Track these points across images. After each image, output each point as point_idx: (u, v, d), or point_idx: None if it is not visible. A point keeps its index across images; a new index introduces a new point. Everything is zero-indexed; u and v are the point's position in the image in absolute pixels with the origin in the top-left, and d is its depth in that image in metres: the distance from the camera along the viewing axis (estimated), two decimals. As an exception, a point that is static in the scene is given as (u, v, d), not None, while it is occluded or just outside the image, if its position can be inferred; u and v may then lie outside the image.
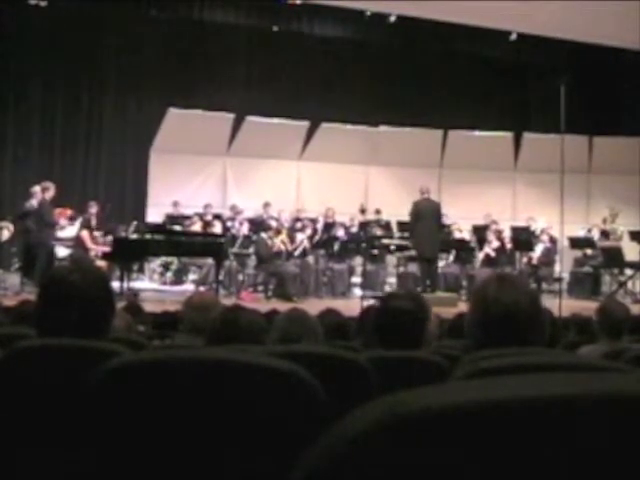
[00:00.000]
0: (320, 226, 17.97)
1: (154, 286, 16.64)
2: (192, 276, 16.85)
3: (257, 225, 17.04)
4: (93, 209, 16.18)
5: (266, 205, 18.23)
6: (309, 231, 16.91)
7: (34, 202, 14.95)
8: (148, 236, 15.10)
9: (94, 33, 19.21)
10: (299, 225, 17.23)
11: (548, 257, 17.56)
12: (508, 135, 21.21)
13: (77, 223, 15.84)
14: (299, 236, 16.59)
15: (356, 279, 17.31)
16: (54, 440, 2.50)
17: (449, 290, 16.36)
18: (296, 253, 16.29)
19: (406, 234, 16.90)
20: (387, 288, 16.68)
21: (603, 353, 4.76)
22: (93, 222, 15.67)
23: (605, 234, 18.48)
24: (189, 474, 1.86)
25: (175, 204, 18.13)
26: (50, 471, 2.57)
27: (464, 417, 0.82)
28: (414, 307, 4.15)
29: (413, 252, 16.06)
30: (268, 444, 1.80)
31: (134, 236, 15.72)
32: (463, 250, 17.60)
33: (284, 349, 3.31)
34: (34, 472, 2.64)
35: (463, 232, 18.05)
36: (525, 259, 17.60)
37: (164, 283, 17.00)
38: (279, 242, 16.08)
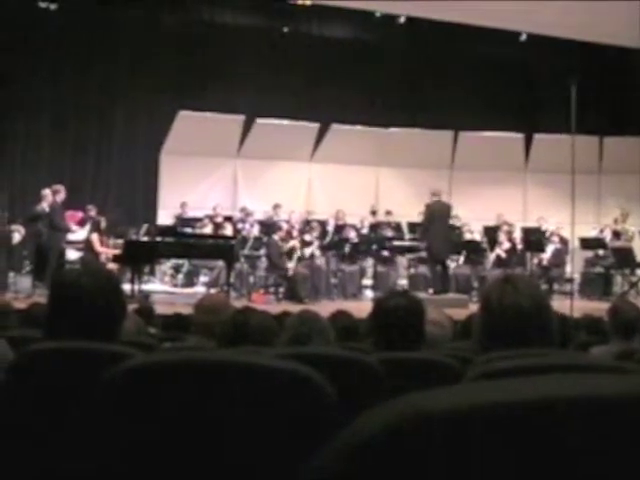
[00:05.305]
0: (331, 228, 17.96)
1: (165, 288, 16.66)
2: (203, 278, 16.84)
3: (268, 227, 17.02)
4: (92, 212, 16.23)
5: (276, 207, 18.20)
6: (316, 233, 16.85)
7: (45, 205, 14.99)
8: (159, 238, 15.14)
9: (104, 36, 19.24)
10: (308, 228, 17.20)
11: (558, 258, 17.54)
12: (519, 136, 21.19)
13: (88, 226, 15.87)
14: (307, 238, 16.56)
15: (367, 281, 17.29)
16: (64, 441, 2.50)
17: (460, 291, 16.33)
18: (306, 255, 16.27)
19: (417, 235, 16.93)
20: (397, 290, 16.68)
21: (615, 354, 4.75)
22: (103, 225, 15.69)
23: (616, 234, 18.43)
24: (200, 475, 1.86)
25: (182, 205, 18.14)
26: (60, 472, 2.57)
27: (477, 419, 0.82)
28: (407, 305, 4.16)
29: (424, 253, 16.08)
30: (279, 446, 1.80)
31: (145, 238, 15.74)
32: (474, 251, 17.56)
33: (295, 351, 3.31)
34: (43, 473, 2.64)
35: (474, 233, 18.02)
36: (536, 260, 17.54)
37: (175, 285, 17.02)
38: (291, 247, 16.09)
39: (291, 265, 15.86)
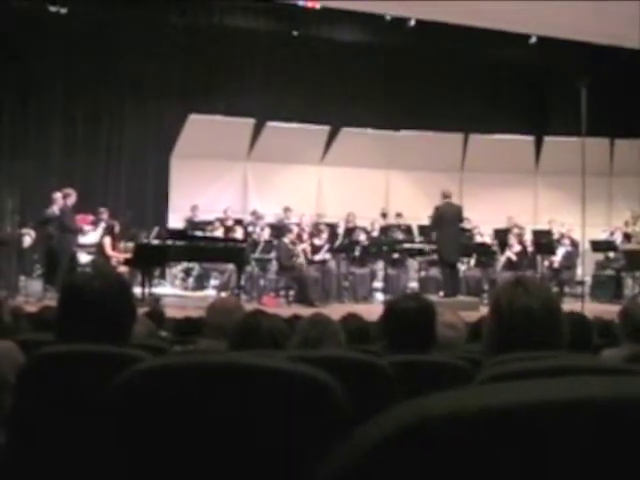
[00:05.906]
0: (341, 231, 17.95)
1: (175, 292, 16.68)
2: (213, 282, 16.86)
3: (278, 230, 17.03)
4: (104, 215, 16.21)
5: (287, 210, 18.21)
6: (325, 235, 16.82)
7: (55, 208, 15.01)
8: (169, 242, 15.12)
9: (114, 39, 19.24)
10: (316, 231, 17.18)
11: (569, 261, 17.51)
12: (529, 138, 21.17)
13: (99, 229, 15.87)
14: (318, 242, 16.55)
15: (378, 284, 17.29)
16: (75, 444, 2.50)
17: (471, 294, 16.32)
18: (317, 258, 16.28)
19: (427, 238, 16.91)
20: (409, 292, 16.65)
21: (625, 356, 4.73)
22: (116, 229, 15.70)
23: (627, 237, 18.39)
24: (210, 478, 1.86)
25: (193, 209, 18.16)
26: (70, 474, 2.57)
27: (486, 421, 0.81)
28: (418, 307, 4.16)
29: (434, 256, 16.06)
30: (291, 448, 1.79)
31: (155, 242, 15.73)
32: (484, 254, 17.54)
33: (305, 353, 3.31)
34: (54, 475, 2.65)
35: (484, 236, 17.99)
36: (546, 263, 17.52)
37: (185, 289, 17.03)
38: (300, 250, 16.11)
39: (300, 261, 15.90)
